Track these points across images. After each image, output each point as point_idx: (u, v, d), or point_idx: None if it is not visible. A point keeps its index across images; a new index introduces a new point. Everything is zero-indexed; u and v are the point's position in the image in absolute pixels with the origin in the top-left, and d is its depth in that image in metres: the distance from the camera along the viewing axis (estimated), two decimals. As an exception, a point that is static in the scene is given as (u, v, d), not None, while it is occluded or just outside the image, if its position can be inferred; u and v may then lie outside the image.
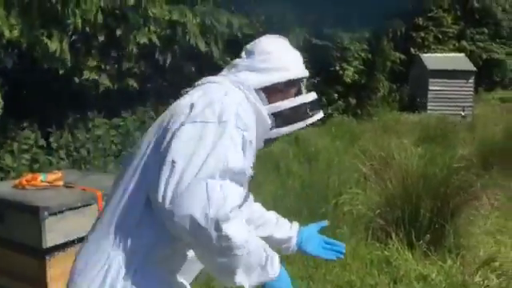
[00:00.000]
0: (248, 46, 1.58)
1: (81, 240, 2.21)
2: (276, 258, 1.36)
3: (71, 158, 6.29)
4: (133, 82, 7.36)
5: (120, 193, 1.37)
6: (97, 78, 6.83)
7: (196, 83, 1.51)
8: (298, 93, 1.55)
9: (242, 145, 1.30)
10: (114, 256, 1.31)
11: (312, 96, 1.57)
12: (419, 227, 4.13)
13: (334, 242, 1.44)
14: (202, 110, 1.32)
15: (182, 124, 1.30)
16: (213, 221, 1.18)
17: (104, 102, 7.13)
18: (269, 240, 1.69)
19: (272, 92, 1.49)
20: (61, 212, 2.07)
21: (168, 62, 7.56)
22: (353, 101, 13.97)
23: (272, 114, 1.48)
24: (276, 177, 5.69)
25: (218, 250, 1.22)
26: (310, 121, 1.55)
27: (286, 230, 1.77)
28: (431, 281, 3.61)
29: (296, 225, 1.79)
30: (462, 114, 14.06)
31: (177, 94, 1.51)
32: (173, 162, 1.24)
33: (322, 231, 1.74)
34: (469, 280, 3.51)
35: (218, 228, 1.18)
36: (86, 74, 6.75)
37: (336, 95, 13.04)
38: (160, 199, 1.22)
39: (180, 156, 1.24)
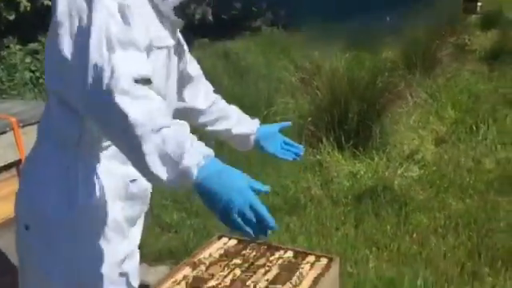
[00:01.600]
0: None
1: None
2: (202, 157, 1.06)
3: (-15, 89, 5.88)
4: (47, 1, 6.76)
5: None
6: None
7: None
8: None
9: (120, 14, 1.17)
10: (49, 148, 1.30)
11: None
12: (348, 130, 4.30)
13: (292, 143, 1.50)
14: None
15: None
16: (103, 91, 1.07)
17: (17, 26, 6.57)
18: (227, 134, 1.69)
19: None
20: (-27, 143, 1.94)
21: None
22: (281, 11, 13.74)
23: None
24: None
25: (120, 128, 1.08)
26: None
27: (246, 125, 1.72)
28: (360, 178, 3.83)
29: (256, 122, 1.75)
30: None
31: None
32: (53, 45, 1.18)
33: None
34: (393, 173, 3.75)
35: (108, 99, 1.06)
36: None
37: (265, 5, 12.76)
38: (47, 80, 1.27)
39: (56, 37, 1.16)
